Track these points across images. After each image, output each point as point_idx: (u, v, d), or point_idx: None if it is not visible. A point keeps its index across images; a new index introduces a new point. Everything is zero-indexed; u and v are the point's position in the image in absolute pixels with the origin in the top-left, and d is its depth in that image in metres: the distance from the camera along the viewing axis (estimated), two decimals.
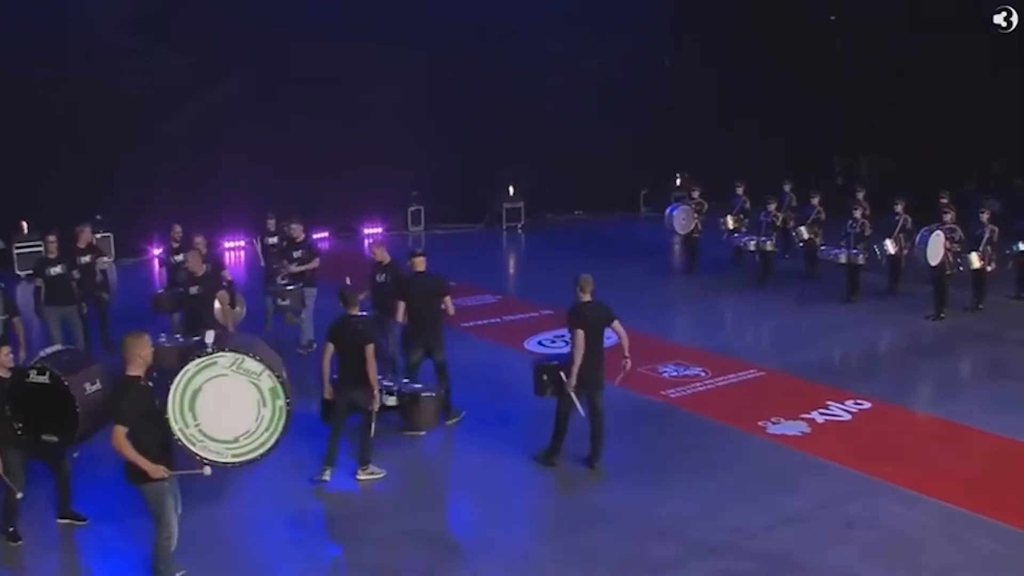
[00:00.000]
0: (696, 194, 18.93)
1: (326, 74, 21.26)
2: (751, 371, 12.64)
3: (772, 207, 17.68)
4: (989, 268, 15.31)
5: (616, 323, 9.44)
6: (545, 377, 9.56)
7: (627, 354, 9.46)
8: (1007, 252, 15.87)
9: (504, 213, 24.42)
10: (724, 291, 17.57)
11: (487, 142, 23.22)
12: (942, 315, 14.99)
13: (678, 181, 26.89)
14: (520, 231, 24.58)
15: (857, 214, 16.24)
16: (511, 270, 20.22)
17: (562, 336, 14.31)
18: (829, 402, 11.33)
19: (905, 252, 16.42)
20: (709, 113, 25.59)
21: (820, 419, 10.85)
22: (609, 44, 24.20)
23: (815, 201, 17.89)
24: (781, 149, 24.75)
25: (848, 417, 10.94)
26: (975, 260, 15.08)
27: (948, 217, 15.03)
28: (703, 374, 12.55)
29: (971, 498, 8.83)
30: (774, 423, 10.72)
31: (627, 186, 26.60)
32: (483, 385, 11.84)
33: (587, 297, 9.43)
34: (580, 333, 9.20)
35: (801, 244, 17.93)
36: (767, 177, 19.69)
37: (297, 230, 13.67)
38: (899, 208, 16.43)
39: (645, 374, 12.54)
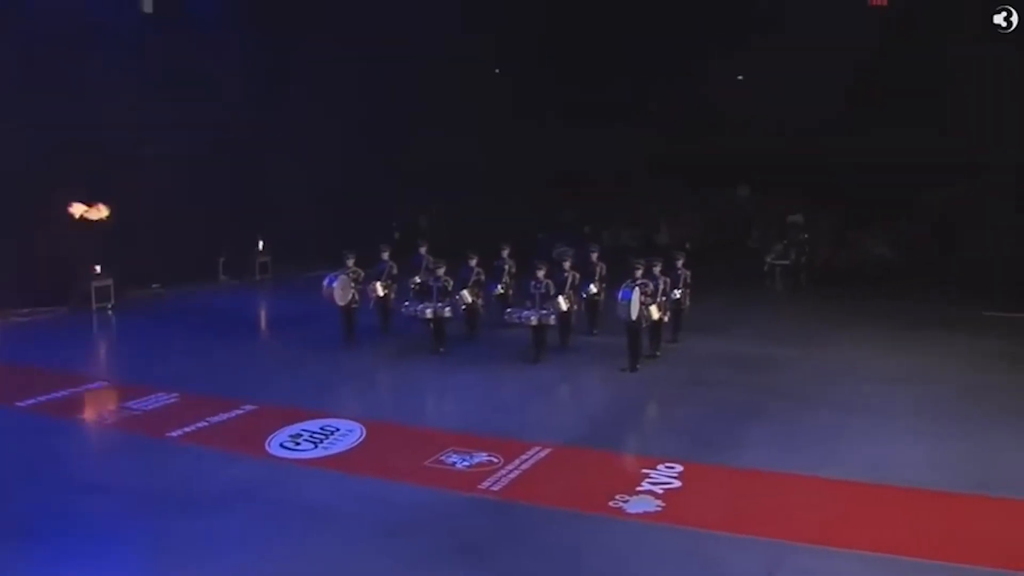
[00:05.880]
0: (351, 262, 17.75)
1: None
2: (536, 448, 11.92)
3: (441, 271, 17.16)
4: (666, 319, 16.42)
5: None
6: None
7: None
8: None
9: (93, 292, 20.84)
10: (407, 361, 16.63)
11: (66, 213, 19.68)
12: (637, 366, 15.68)
13: (260, 245, 25.35)
14: (110, 311, 21.13)
15: (540, 274, 16.44)
16: (149, 359, 17.02)
17: (303, 435, 12.62)
18: (644, 469, 11.09)
19: (575, 308, 17.03)
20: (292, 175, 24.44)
21: (658, 489, 10.55)
22: (185, 112, 22.08)
23: (472, 263, 17.77)
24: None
25: (678, 483, 10.80)
26: (654, 311, 16.02)
27: (639, 272, 15.73)
28: (495, 460, 11.57)
29: (866, 539, 9.13)
30: (625, 502, 10.27)
31: (204, 255, 24.33)
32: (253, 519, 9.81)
33: None
34: None
35: (464, 308, 17.68)
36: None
37: None
38: (567, 265, 16.98)
39: (432, 468, 11.35)
